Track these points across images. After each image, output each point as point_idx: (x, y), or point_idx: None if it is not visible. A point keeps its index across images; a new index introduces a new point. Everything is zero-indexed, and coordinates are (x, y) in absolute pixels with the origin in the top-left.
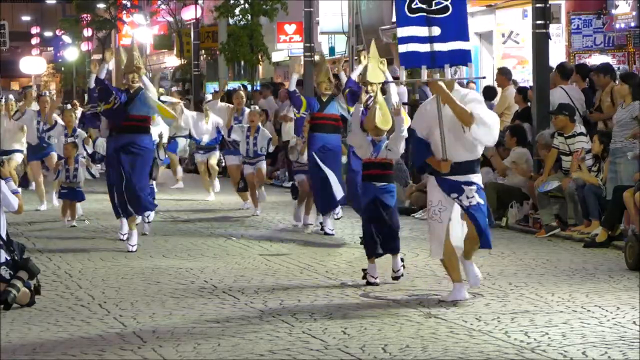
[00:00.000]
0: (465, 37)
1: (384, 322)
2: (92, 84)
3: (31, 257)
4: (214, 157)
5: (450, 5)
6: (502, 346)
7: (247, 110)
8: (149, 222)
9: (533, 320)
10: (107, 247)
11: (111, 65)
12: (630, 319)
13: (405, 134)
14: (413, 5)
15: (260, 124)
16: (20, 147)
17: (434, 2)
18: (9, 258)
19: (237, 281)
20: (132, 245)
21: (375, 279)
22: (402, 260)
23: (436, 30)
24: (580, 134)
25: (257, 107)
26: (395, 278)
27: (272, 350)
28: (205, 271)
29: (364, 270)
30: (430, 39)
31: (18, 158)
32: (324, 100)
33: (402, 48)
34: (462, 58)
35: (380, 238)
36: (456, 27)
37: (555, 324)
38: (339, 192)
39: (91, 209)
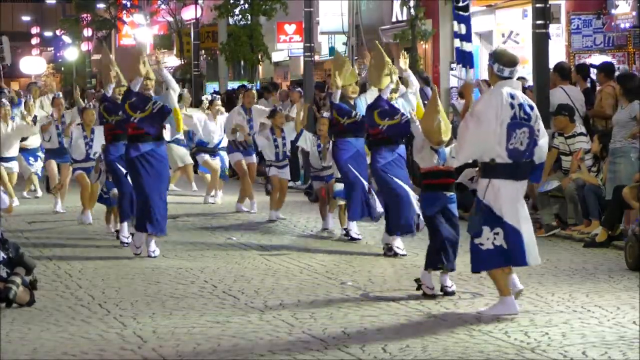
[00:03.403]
0: (471, 38)
1: (384, 322)
2: (110, 92)
3: (27, 253)
4: (219, 161)
5: (470, 3)
6: (502, 346)
7: (254, 108)
8: (155, 257)
9: (533, 320)
10: (107, 247)
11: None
12: (630, 319)
13: None
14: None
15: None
16: (15, 153)
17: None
18: (5, 256)
19: (237, 281)
20: (152, 251)
21: (433, 289)
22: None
23: (463, 28)
24: (580, 134)
25: (281, 110)
26: (451, 293)
27: (272, 351)
28: (205, 271)
29: (417, 281)
30: (461, 36)
31: (16, 168)
32: (352, 103)
33: (456, 43)
34: (472, 60)
35: (449, 250)
36: (469, 28)
37: (555, 324)
38: (379, 205)
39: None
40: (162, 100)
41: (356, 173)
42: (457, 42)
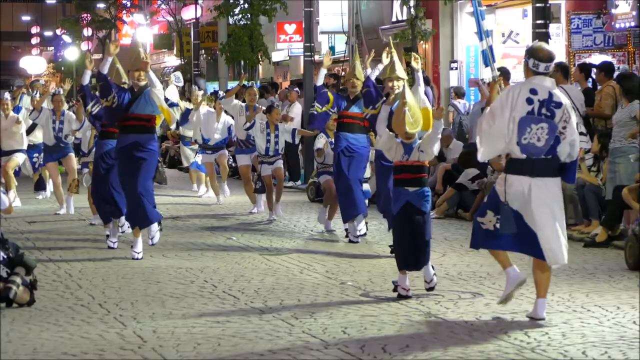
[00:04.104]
0: (481, 37)
1: (384, 322)
2: (87, 81)
3: (27, 253)
4: (224, 157)
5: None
6: (502, 346)
7: (257, 106)
8: (153, 244)
9: (533, 320)
10: (107, 247)
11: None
12: (630, 319)
13: (440, 135)
14: None
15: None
16: (19, 146)
17: None
18: (5, 256)
19: (237, 281)
20: (138, 253)
21: (408, 291)
22: (432, 267)
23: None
24: (580, 133)
25: (294, 107)
26: (430, 289)
27: (272, 350)
28: (205, 271)
29: (394, 282)
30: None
31: (19, 159)
32: (351, 98)
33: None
34: (485, 58)
35: (413, 249)
36: (479, 27)
37: (555, 324)
38: (362, 201)
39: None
40: (150, 94)
41: (344, 169)
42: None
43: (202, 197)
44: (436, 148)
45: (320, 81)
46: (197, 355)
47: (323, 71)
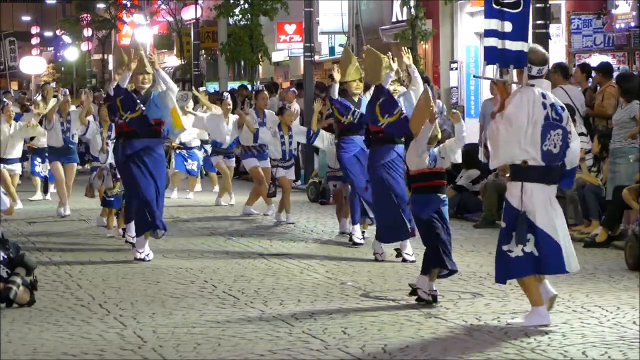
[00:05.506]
0: (527, 38)
1: (384, 322)
2: (112, 92)
3: (27, 253)
4: (231, 170)
5: (522, 0)
6: (502, 346)
7: (267, 112)
8: (148, 260)
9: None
10: (107, 247)
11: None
12: (630, 319)
13: (465, 141)
14: None
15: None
16: (19, 154)
17: None
18: (5, 257)
19: (237, 281)
20: (147, 255)
21: (429, 293)
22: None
23: (508, 26)
24: (581, 134)
25: (291, 107)
26: (433, 297)
27: (272, 350)
28: (205, 271)
29: (412, 285)
30: (503, 35)
31: (18, 170)
32: (356, 100)
33: (486, 42)
34: (523, 61)
35: (449, 253)
36: (523, 26)
37: (555, 324)
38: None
39: (91, 209)
40: (159, 98)
41: (356, 174)
42: (491, 41)
43: (231, 203)
44: (458, 155)
45: (335, 95)
46: (197, 355)
47: (336, 86)
